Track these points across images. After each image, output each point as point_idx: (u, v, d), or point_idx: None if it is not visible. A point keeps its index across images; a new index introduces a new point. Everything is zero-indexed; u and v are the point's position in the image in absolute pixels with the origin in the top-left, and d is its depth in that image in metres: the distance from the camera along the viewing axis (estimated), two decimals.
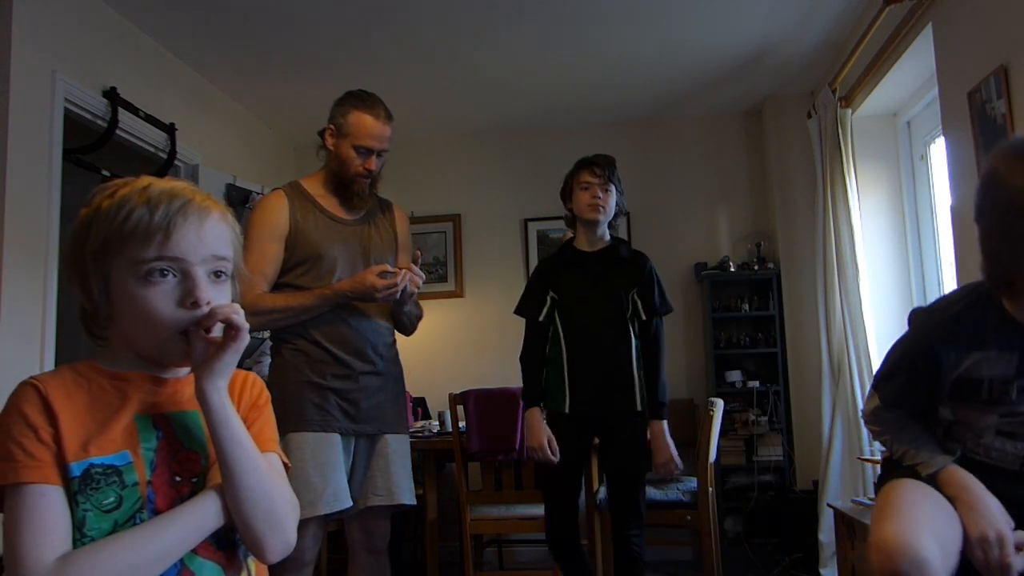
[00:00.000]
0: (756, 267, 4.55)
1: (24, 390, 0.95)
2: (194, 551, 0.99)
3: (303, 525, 2.11)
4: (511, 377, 3.17)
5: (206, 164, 3.88)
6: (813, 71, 4.21)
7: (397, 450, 2.33)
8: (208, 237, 1.00)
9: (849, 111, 3.75)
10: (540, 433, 2.56)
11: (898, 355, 1.47)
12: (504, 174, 4.99)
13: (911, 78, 3.39)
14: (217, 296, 1.00)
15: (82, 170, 3.40)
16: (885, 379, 1.49)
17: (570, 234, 2.79)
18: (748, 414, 4.41)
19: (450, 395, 3.51)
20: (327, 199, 2.33)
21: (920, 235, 3.75)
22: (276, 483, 1.06)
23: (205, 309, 0.98)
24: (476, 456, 3.38)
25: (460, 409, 3.49)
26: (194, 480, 1.03)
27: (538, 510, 3.14)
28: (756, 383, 4.44)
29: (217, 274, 1.01)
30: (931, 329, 1.40)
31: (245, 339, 1.00)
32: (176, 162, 3.68)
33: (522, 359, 2.71)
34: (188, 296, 0.97)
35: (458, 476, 3.44)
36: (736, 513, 4.37)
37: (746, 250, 4.70)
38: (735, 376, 4.48)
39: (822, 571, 3.70)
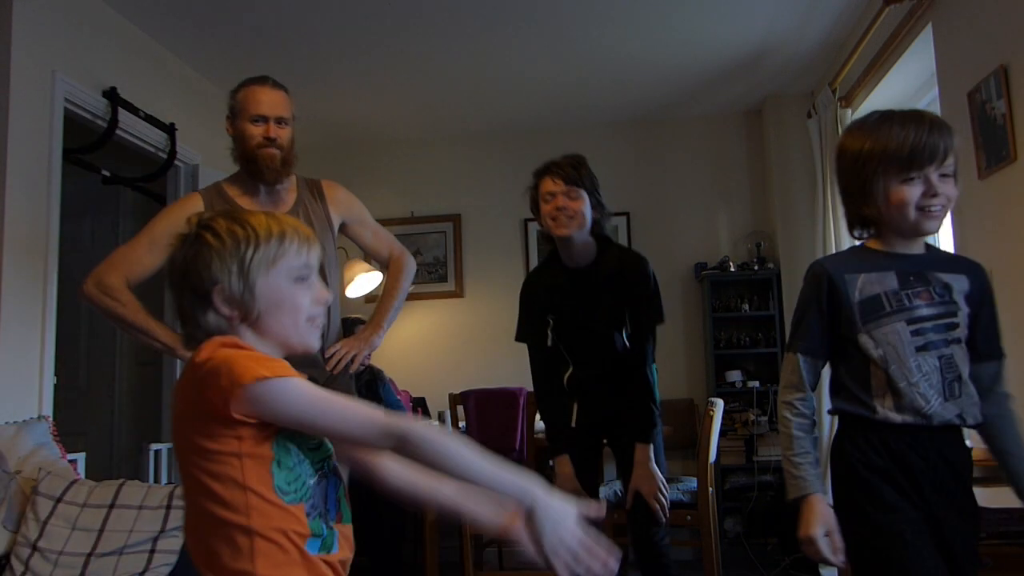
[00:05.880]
0: (756, 267, 4.55)
1: None
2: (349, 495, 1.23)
3: None
4: (511, 377, 3.18)
5: (206, 164, 3.87)
6: (813, 71, 4.21)
7: None
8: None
9: (849, 111, 3.75)
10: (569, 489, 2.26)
11: (803, 296, 1.61)
12: (504, 174, 4.97)
13: (911, 78, 3.39)
14: None
15: (82, 170, 3.40)
16: (797, 323, 1.61)
17: None
18: (748, 414, 4.40)
19: (450, 395, 3.52)
20: (244, 199, 2.22)
21: None
22: None
23: (329, 302, 1.27)
24: None
25: (460, 409, 3.50)
26: None
27: None
28: (756, 383, 4.44)
29: None
30: (824, 262, 1.62)
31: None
32: (176, 162, 3.67)
33: (538, 394, 2.47)
34: (321, 296, 1.24)
35: None
36: (736, 513, 4.37)
37: (746, 250, 4.70)
38: (735, 376, 4.48)
39: (822, 571, 3.70)
